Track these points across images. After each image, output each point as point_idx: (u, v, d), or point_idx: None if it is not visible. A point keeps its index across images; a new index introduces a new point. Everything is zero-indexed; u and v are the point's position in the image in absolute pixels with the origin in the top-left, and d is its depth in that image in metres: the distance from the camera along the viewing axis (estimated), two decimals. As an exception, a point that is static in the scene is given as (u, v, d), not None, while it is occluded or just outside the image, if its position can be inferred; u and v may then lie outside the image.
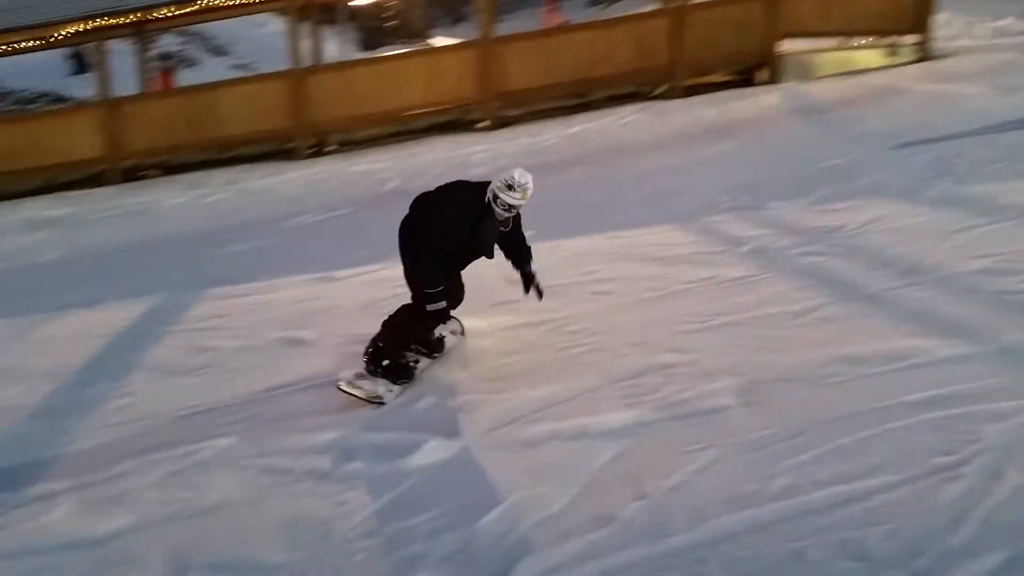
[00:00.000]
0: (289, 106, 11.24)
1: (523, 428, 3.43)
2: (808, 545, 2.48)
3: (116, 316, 6.08)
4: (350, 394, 3.91)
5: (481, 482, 3.10)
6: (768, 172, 7.20)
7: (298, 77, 11.21)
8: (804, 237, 5.35)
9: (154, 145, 11.78)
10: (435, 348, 4.29)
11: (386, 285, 5.82)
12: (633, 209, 6.66)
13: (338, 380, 4.01)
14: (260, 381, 4.41)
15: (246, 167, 11.20)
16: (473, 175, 9.38)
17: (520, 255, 4.18)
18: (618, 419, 3.40)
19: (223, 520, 3.11)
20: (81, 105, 14.67)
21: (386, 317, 4.19)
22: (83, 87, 17.21)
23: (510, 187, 3.75)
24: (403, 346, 4.11)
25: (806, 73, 10.63)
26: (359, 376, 4.02)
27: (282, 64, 11.76)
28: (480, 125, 10.96)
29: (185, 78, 15.66)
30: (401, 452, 3.37)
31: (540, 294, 4.15)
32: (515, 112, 11.08)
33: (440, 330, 4.28)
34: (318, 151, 11.63)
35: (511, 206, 3.79)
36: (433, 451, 3.35)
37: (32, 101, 18.60)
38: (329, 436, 3.63)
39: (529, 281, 4.14)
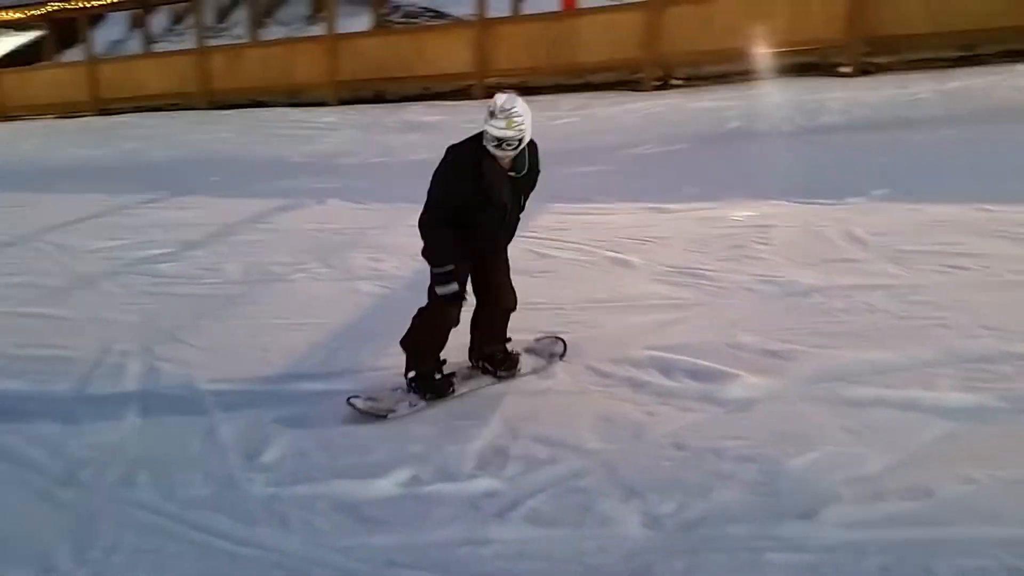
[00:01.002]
0: (643, 37, 11.38)
1: (846, 387, 3.35)
2: None
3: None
4: (353, 407, 3.48)
5: (794, 427, 3.12)
6: None
7: (657, 9, 11.24)
8: None
9: (515, 66, 12.72)
10: (502, 365, 3.73)
11: (716, 224, 5.90)
12: (1011, 181, 5.88)
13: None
14: (590, 292, 4.79)
15: (595, 94, 11.68)
16: (822, 124, 8.91)
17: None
18: (956, 399, 3.18)
19: (550, 402, 3.51)
20: (458, 23, 16.19)
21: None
22: (462, 5, 18.99)
23: (492, 114, 3.13)
24: (427, 355, 3.57)
25: None
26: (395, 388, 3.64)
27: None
28: (842, 70, 10.20)
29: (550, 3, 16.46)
30: (716, 380, 3.50)
31: None
32: (884, 59, 10.12)
33: (518, 347, 3.84)
34: (664, 84, 11.73)
35: (499, 140, 3.13)
36: (749, 387, 3.43)
37: (416, 16, 20.95)
38: (647, 353, 3.84)
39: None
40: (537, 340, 4.02)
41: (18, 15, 17.17)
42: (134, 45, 19.09)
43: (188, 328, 4.71)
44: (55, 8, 16.24)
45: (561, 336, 4.02)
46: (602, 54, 11.77)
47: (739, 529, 2.57)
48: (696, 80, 11.64)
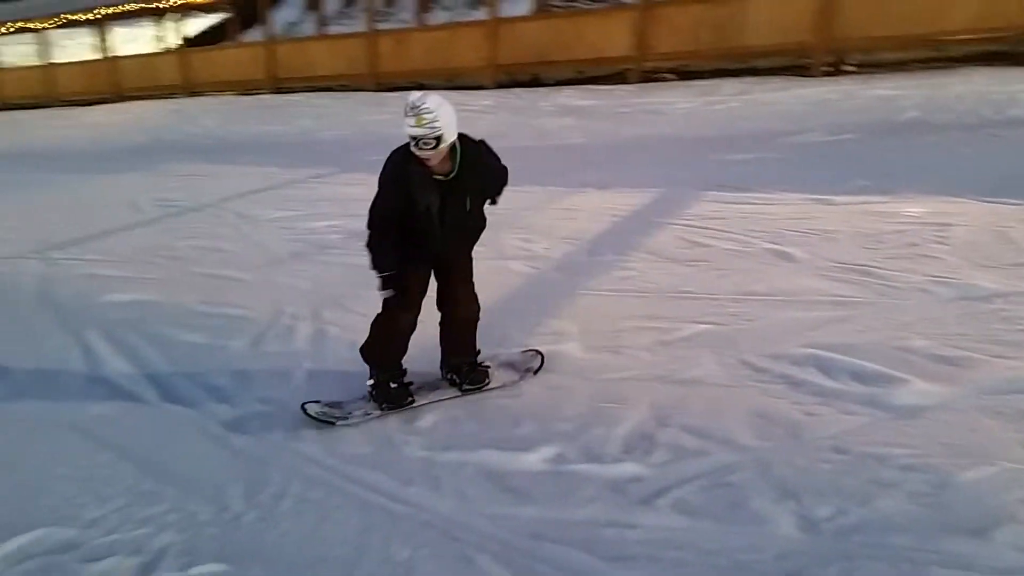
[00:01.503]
0: (815, 20, 10.81)
1: (1028, 401, 3.08)
2: None
3: (624, 200, 6.85)
4: (305, 412, 3.44)
5: (967, 439, 2.90)
6: None
7: (833, -10, 10.67)
8: None
9: (675, 49, 12.45)
10: (467, 378, 3.62)
11: (888, 219, 5.55)
12: None
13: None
14: (746, 284, 4.63)
15: (758, 79, 11.24)
16: (1011, 117, 8.11)
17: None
18: None
19: (700, 393, 3.44)
20: (619, 5, 16.01)
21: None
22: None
23: (405, 112, 2.93)
24: (384, 363, 3.52)
25: None
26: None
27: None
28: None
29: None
30: (883, 384, 3.30)
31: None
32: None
33: (490, 360, 3.75)
34: (834, 70, 11.10)
35: (414, 139, 2.95)
36: (918, 394, 3.21)
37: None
38: (807, 351, 3.68)
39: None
40: (522, 353, 3.91)
41: (210, -1, 18.63)
42: (308, 27, 20.28)
43: (352, 296, 4.97)
44: (241, -8, 17.48)
45: (540, 350, 3.88)
46: (770, 38, 11.29)
47: (901, 540, 2.43)
48: (870, 67, 10.95)
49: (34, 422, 3.66)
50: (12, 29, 22.25)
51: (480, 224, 3.43)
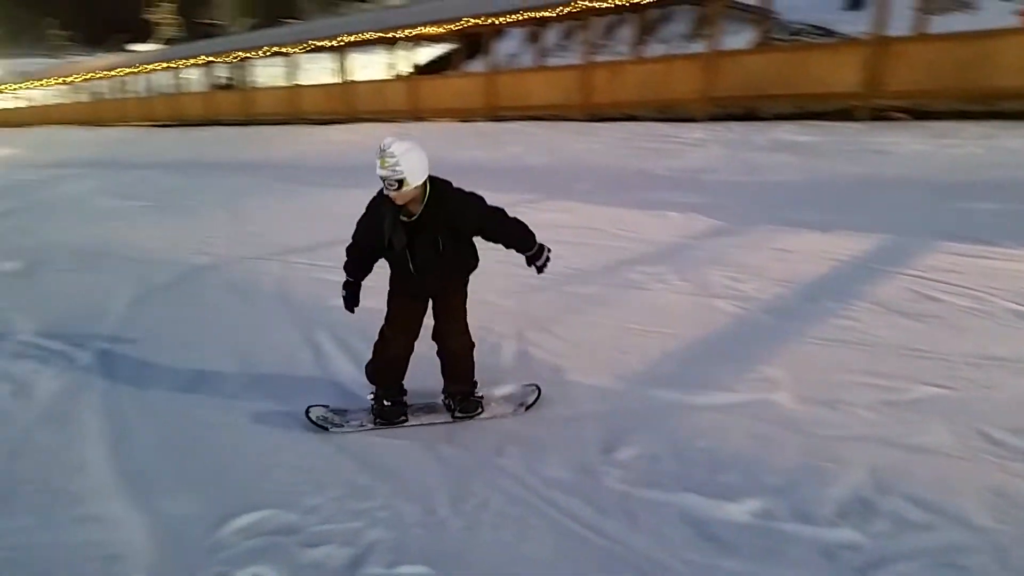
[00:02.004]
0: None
1: None
2: None
3: (845, 244, 6.45)
4: (307, 416, 3.79)
5: None
6: None
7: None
8: None
9: (910, 87, 11.63)
10: (460, 406, 3.79)
11: None
12: None
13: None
14: (985, 346, 4.19)
15: (1005, 123, 10.20)
16: None
17: (512, 244, 3.60)
18: None
19: (928, 462, 3.14)
20: (848, 40, 15.21)
21: None
22: (853, 22, 17.83)
23: (376, 155, 3.15)
24: (380, 380, 3.77)
25: None
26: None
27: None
28: None
29: (957, 23, 14.77)
30: None
31: (540, 270, 3.64)
32: None
33: (486, 392, 3.92)
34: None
35: (382, 179, 3.16)
36: None
37: (800, 33, 20.12)
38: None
39: (531, 263, 3.64)
40: (523, 386, 4.00)
41: (439, 30, 19.90)
42: (527, 58, 21.10)
43: (555, 320, 5.07)
44: (468, 24, 18.51)
45: (538, 385, 3.96)
46: (1023, 79, 10.21)
47: None
48: None
49: (264, 410, 4.02)
50: (268, 53, 25.04)
51: (460, 263, 3.59)
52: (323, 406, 3.88)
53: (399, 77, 22.84)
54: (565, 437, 3.53)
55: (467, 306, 3.77)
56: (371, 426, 3.76)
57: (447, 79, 21.18)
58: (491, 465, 3.35)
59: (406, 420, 3.79)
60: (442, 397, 3.90)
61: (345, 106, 22.33)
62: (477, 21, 18.24)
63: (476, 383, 3.89)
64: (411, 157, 3.17)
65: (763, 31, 16.82)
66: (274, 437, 3.73)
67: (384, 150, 3.15)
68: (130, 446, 3.69)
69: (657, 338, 4.70)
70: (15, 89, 40.34)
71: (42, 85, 37.38)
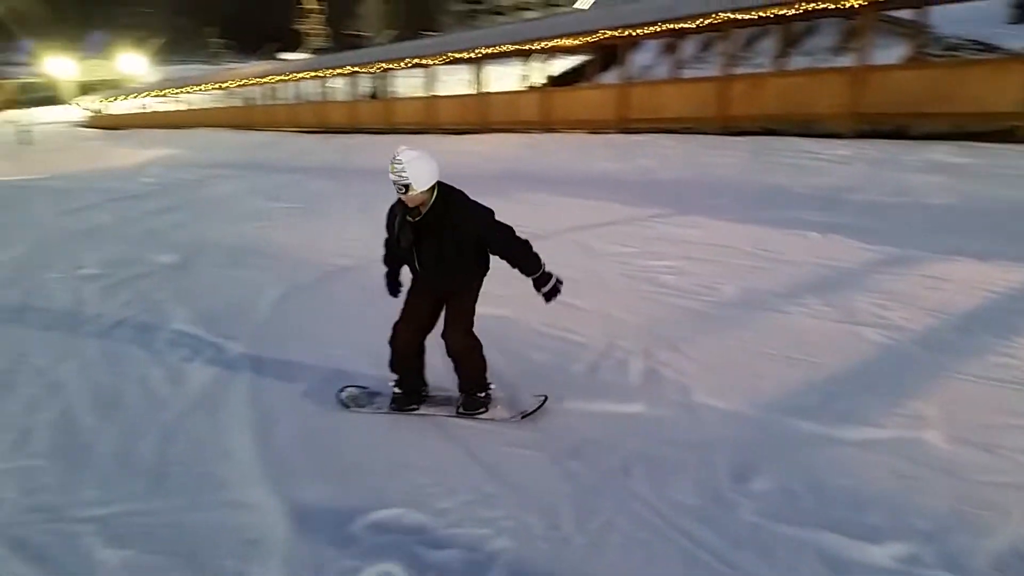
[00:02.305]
0: None
1: None
2: None
3: (1006, 275, 5.98)
4: (337, 397, 4.26)
5: None
6: None
7: None
8: None
9: (1089, 106, 10.64)
10: (464, 404, 4.04)
11: None
12: None
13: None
14: None
15: None
16: None
17: (514, 262, 3.79)
18: None
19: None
20: (1013, 56, 14.11)
21: None
22: (1019, 36, 16.53)
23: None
24: (395, 369, 4.07)
25: None
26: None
27: None
28: None
29: None
30: None
31: (547, 298, 3.80)
32: None
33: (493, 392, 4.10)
34: None
35: (394, 183, 3.49)
36: None
37: (958, 48, 18.81)
38: None
39: (538, 289, 3.80)
40: (533, 396, 4.12)
41: (574, 42, 19.97)
42: (661, 70, 20.84)
43: (685, 340, 4.97)
44: (604, 36, 18.48)
45: (546, 395, 4.09)
46: None
47: None
48: None
49: (398, 414, 4.15)
50: (409, 64, 25.92)
51: (464, 265, 3.80)
52: (359, 387, 4.33)
53: (532, 88, 23.08)
54: (694, 462, 3.45)
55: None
56: (386, 410, 4.12)
57: (579, 91, 21.21)
58: (618, 485, 3.32)
59: (416, 408, 4.12)
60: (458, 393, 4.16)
61: (479, 117, 22.78)
62: (614, 33, 18.17)
63: (487, 383, 4.07)
64: (417, 165, 3.48)
65: (916, 45, 15.86)
66: (407, 438, 3.85)
67: (395, 157, 3.49)
68: (273, 436, 3.91)
69: (795, 364, 4.52)
70: (176, 93, 43.64)
71: (200, 89, 40.21)
